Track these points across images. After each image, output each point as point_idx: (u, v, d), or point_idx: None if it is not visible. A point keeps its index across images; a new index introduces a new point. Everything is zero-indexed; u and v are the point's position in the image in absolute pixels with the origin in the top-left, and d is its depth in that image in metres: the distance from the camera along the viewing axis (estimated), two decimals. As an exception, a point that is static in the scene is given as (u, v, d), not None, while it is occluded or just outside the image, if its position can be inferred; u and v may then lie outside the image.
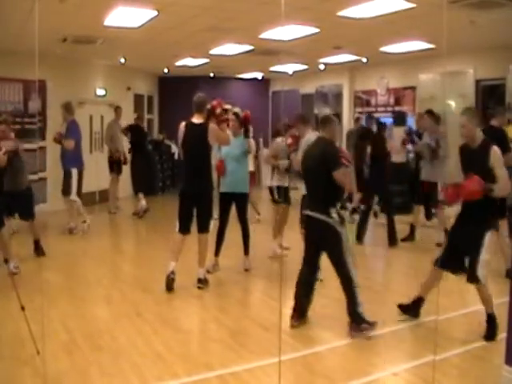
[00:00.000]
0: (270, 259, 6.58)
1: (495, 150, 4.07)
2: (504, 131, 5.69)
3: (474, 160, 4.16)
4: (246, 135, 6.03)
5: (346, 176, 4.29)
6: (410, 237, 7.60)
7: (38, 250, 6.61)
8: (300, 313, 4.48)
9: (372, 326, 4.24)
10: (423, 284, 4.55)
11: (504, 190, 4.10)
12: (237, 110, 6.21)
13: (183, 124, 5.47)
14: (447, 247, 4.39)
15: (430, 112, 7.47)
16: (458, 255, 4.25)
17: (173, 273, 5.30)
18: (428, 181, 7.19)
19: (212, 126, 5.36)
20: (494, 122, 5.81)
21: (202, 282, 5.46)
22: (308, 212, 4.41)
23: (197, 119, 5.41)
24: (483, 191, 3.97)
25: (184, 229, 5.45)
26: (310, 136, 5.41)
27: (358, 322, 4.22)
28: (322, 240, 4.37)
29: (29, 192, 6.41)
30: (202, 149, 5.35)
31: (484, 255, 4.09)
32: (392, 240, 7.32)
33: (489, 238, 4.12)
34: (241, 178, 6.04)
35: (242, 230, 6.11)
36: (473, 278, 4.13)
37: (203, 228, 5.47)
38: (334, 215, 4.25)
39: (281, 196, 6.60)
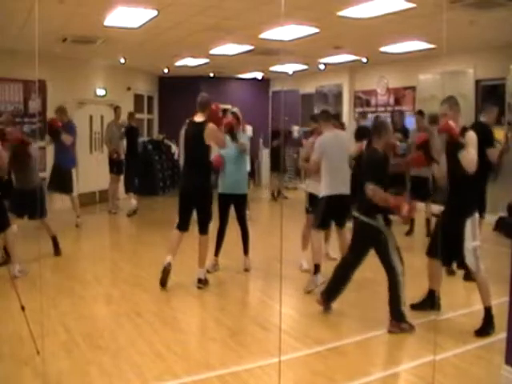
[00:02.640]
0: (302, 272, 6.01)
1: (470, 134, 4.18)
2: (489, 127, 5.62)
3: (453, 145, 4.21)
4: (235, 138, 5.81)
5: (374, 192, 4.30)
6: (409, 232, 7.86)
7: (56, 248, 6.64)
8: (327, 297, 4.62)
9: (411, 328, 4.29)
10: (428, 276, 4.68)
11: (467, 161, 4.11)
12: (235, 109, 6.20)
13: (186, 122, 5.52)
14: (434, 236, 4.57)
15: (419, 112, 8.05)
16: (446, 245, 4.32)
17: (169, 265, 5.29)
18: (419, 176, 7.45)
19: (211, 125, 5.36)
20: (483, 119, 5.81)
21: (202, 282, 5.46)
22: (355, 214, 4.56)
23: (198, 118, 5.43)
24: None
25: (181, 226, 5.46)
26: (329, 133, 5.45)
27: (397, 320, 4.30)
28: (368, 240, 4.50)
29: (40, 190, 6.41)
30: (200, 147, 5.35)
31: (469, 243, 4.17)
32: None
33: (471, 225, 4.18)
34: (240, 179, 6.03)
35: (241, 230, 6.10)
36: (462, 265, 4.31)
37: (203, 229, 5.48)
38: (379, 217, 4.37)
39: (312, 205, 5.80)
